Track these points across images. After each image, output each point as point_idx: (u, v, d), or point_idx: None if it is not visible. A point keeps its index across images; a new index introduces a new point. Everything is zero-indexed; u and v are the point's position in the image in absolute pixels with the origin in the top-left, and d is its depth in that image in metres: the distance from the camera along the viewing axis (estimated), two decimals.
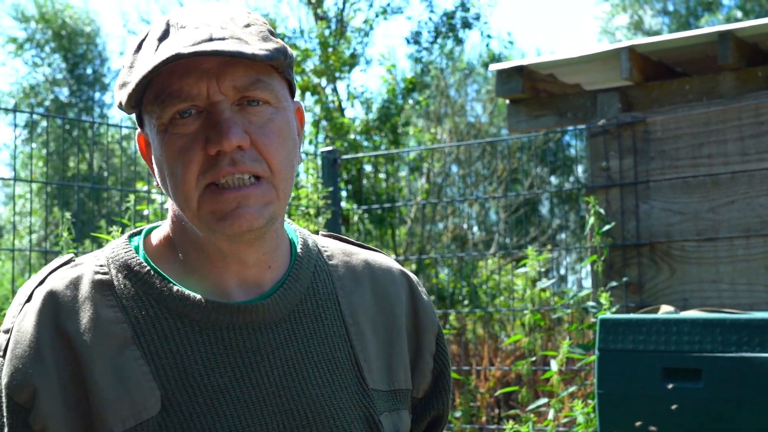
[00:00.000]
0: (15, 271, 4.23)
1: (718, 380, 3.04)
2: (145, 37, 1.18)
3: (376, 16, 10.02)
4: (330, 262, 1.31)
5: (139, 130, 1.24)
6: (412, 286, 1.36)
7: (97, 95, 22.20)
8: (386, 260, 1.37)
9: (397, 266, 1.37)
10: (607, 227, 3.92)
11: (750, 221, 3.72)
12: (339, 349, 1.24)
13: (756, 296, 3.68)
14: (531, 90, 4.37)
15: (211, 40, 1.11)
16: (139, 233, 1.28)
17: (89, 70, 21.60)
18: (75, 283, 1.17)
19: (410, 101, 9.29)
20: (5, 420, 1.12)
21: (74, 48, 20.61)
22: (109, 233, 3.01)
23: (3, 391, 1.13)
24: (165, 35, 1.14)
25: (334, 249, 1.33)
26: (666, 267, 3.90)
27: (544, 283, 3.92)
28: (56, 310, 1.14)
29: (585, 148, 4.22)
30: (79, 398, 1.12)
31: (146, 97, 1.15)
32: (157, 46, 1.13)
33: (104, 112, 22.01)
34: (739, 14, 18.64)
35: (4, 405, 1.12)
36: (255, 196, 1.14)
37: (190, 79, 1.12)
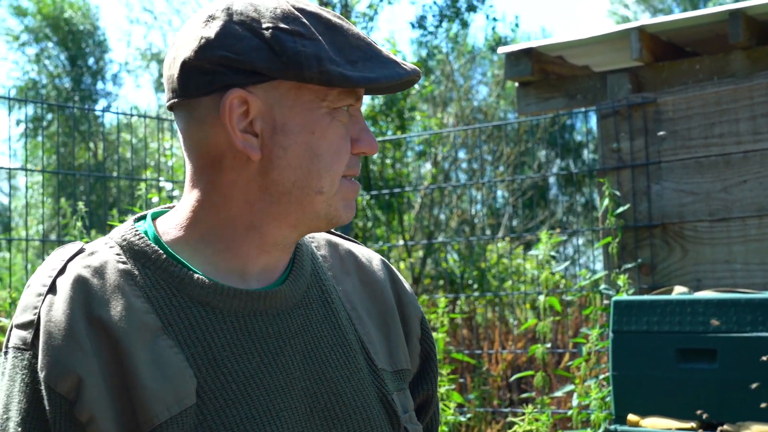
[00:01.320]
0: (27, 261, 4.23)
1: (733, 360, 3.03)
2: (308, 13, 1.16)
3: (381, 1, 9.99)
4: (319, 252, 1.33)
5: (239, 90, 1.14)
6: (393, 275, 1.39)
7: (99, 85, 22.23)
8: (368, 251, 1.40)
9: (378, 256, 1.40)
10: (621, 209, 3.90)
11: (763, 201, 3.71)
12: (348, 333, 1.26)
13: None
14: (540, 72, 4.35)
15: (400, 62, 1.20)
16: (143, 218, 1.25)
17: (90, 61, 21.62)
18: (100, 272, 1.14)
19: (416, 86, 9.28)
20: (47, 414, 1.08)
21: (74, 41, 20.62)
22: (121, 222, 3.01)
23: (42, 383, 1.08)
24: (339, 31, 1.17)
25: (320, 239, 1.36)
26: (678, 248, 3.89)
27: (556, 266, 3.91)
28: (88, 298, 1.11)
29: (596, 130, 4.20)
30: (120, 386, 1.10)
31: (308, 74, 1.12)
32: (370, 46, 1.18)
33: (109, 103, 22.06)
34: None
35: (45, 399, 1.08)
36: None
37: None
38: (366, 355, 1.27)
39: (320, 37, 1.14)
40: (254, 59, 1.12)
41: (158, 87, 21.08)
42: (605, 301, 3.98)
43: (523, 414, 3.41)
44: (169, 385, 1.10)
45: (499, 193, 11.56)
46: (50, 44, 20.41)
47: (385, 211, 8.25)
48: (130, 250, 1.17)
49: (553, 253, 3.90)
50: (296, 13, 1.15)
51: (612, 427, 3.25)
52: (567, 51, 4.32)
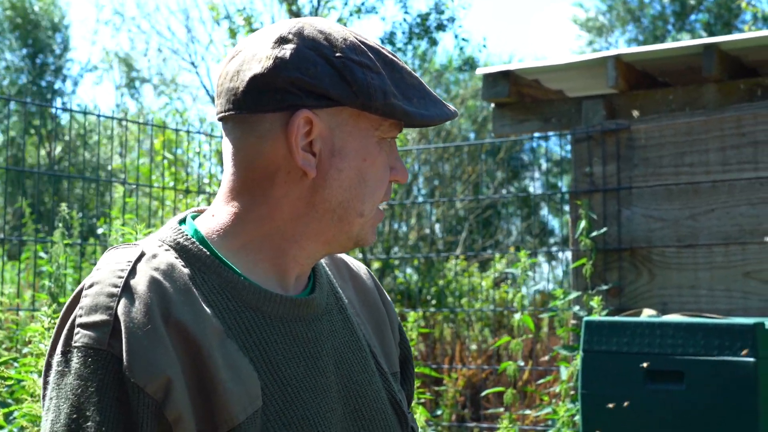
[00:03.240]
0: None
1: (700, 383, 3.12)
2: (372, 47, 1.25)
3: (350, 15, 10.05)
4: (321, 261, 1.39)
5: (307, 111, 1.20)
6: (377, 284, 1.47)
7: (57, 84, 21.96)
8: (354, 260, 1.48)
9: (363, 265, 1.49)
10: (597, 232, 4.00)
11: (729, 229, 3.83)
12: (360, 338, 1.33)
13: (733, 302, 3.78)
14: (516, 94, 4.44)
15: (444, 102, 1.30)
16: (183, 220, 1.28)
17: (51, 59, 21.36)
18: (170, 275, 1.17)
19: None
20: (134, 415, 1.09)
21: (35, 37, 20.35)
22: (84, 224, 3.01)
23: (128, 383, 1.09)
24: (396, 68, 1.26)
25: None
26: (646, 272, 3.99)
27: (533, 286, 3.98)
28: (165, 300, 1.13)
29: (571, 153, 4.30)
30: (197, 387, 1.12)
31: (374, 105, 1.20)
32: (422, 86, 1.27)
33: (64, 101, 21.77)
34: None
35: (132, 399, 1.09)
36: None
37: None
38: (374, 359, 1.34)
39: (383, 71, 1.22)
40: (327, 85, 1.19)
41: (130, 86, 20.86)
42: (573, 321, 4.07)
43: (491, 429, 3.46)
44: (243, 387, 1.14)
45: (459, 211, 11.67)
46: (12, 37, 20.11)
47: None
48: (185, 253, 1.20)
49: (528, 273, 3.98)
50: (362, 46, 1.23)
51: None
52: (543, 75, 4.41)
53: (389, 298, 1.47)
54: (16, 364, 2.93)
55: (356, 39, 1.23)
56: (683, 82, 4.14)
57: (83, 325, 1.11)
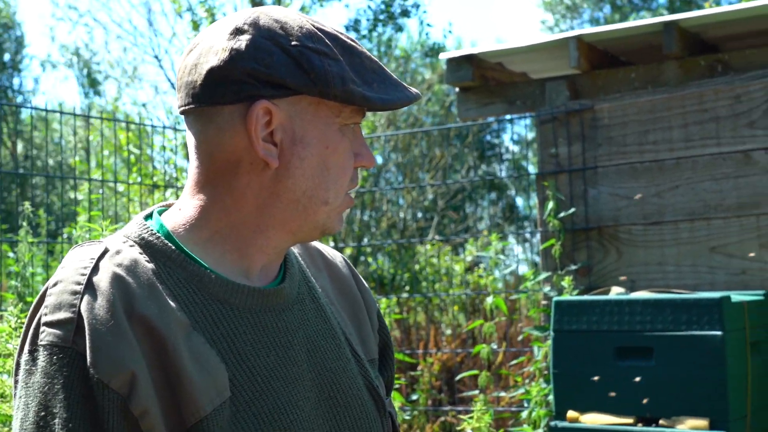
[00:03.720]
0: None
1: (669, 358, 3.16)
2: (330, 33, 1.24)
3: (313, 3, 10.01)
4: (295, 251, 1.40)
5: (265, 101, 1.20)
6: (354, 271, 1.48)
7: (16, 81, 21.71)
8: (330, 249, 1.49)
9: (339, 254, 1.49)
10: (566, 213, 4.02)
11: (694, 205, 3.87)
12: (334, 326, 1.34)
13: (700, 277, 3.83)
14: (480, 78, 4.44)
15: (406, 85, 1.29)
16: (149, 216, 1.29)
17: (6, 56, 21.12)
18: (133, 271, 1.17)
19: None
20: (98, 410, 1.10)
21: None
22: (52, 222, 2.99)
23: (92, 379, 1.10)
24: (355, 53, 1.25)
25: None
26: (614, 250, 4.03)
27: (505, 269, 4.01)
28: (128, 296, 1.14)
29: (536, 135, 4.32)
30: (163, 380, 1.13)
31: (333, 92, 1.20)
32: (381, 70, 1.27)
33: (25, 98, 21.55)
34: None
35: (97, 395, 1.10)
36: None
37: None
38: (350, 346, 1.35)
39: (341, 58, 1.22)
40: (283, 74, 1.19)
41: (91, 83, 20.66)
42: (543, 302, 4.10)
43: (466, 412, 3.49)
44: (210, 379, 1.15)
45: (429, 196, 11.69)
46: None
47: None
48: (149, 249, 1.21)
49: (501, 256, 4.00)
50: (319, 33, 1.23)
51: (553, 423, 3.36)
52: (506, 58, 4.42)
53: (366, 285, 1.48)
54: None
55: (313, 26, 1.23)
56: (644, 61, 4.17)
57: (48, 324, 1.13)
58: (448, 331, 7.52)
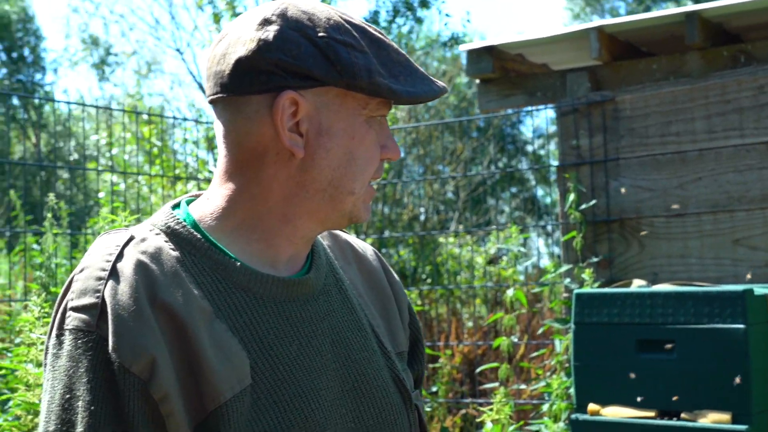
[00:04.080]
0: None
1: (691, 351, 3.14)
2: (356, 25, 1.25)
3: None
4: (324, 242, 1.41)
5: (292, 92, 1.21)
6: (384, 264, 1.48)
7: (38, 76, 21.87)
8: (361, 241, 1.50)
9: (370, 246, 1.50)
10: (587, 205, 4.00)
11: (717, 197, 3.83)
12: (361, 318, 1.35)
13: (723, 270, 3.80)
14: (501, 70, 4.43)
15: (432, 78, 1.29)
16: (177, 205, 1.31)
17: (27, 51, 21.28)
18: (157, 258, 1.19)
19: None
20: (120, 393, 1.12)
21: (9, 32, 20.27)
22: (75, 215, 3.01)
23: (114, 363, 1.12)
24: (382, 46, 1.25)
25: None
26: (636, 242, 4.00)
27: (524, 260, 3.99)
28: (151, 282, 1.16)
29: (556, 127, 4.30)
30: (185, 366, 1.15)
31: (359, 84, 1.21)
32: (408, 62, 1.27)
33: (46, 92, 21.71)
34: None
35: (118, 379, 1.12)
36: None
37: None
38: (377, 338, 1.36)
39: (368, 50, 1.23)
40: (310, 65, 1.20)
41: (102, 71, 20.75)
42: (564, 294, 4.08)
43: (487, 404, 3.48)
44: (230, 366, 1.16)
45: (450, 189, 11.68)
46: None
47: None
48: (175, 237, 1.23)
49: (504, 251, 3.98)
50: (346, 25, 1.24)
51: (573, 416, 3.35)
52: (527, 49, 4.40)
53: (397, 278, 1.48)
54: (10, 354, 2.95)
55: (341, 18, 1.24)
56: (666, 51, 4.14)
57: (74, 309, 1.15)
58: (470, 323, 7.51)
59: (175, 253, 1.21)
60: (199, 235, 1.24)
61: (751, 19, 3.91)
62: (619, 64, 4.15)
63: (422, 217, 10.55)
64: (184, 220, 1.26)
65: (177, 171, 6.89)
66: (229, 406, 1.15)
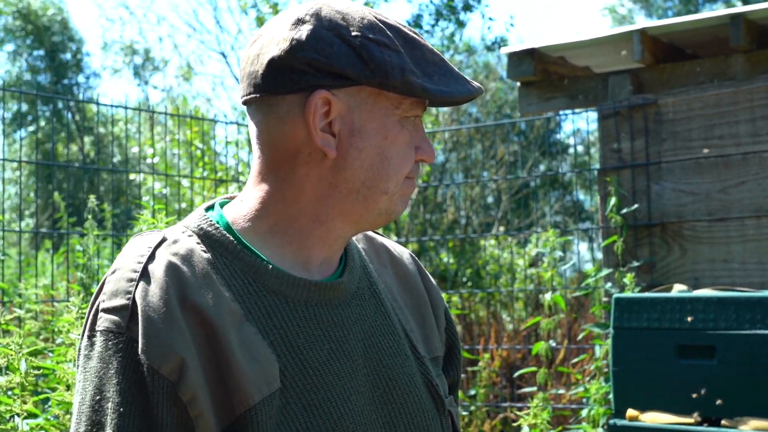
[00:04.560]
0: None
1: (732, 357, 3.09)
2: (391, 25, 1.24)
3: None
4: (359, 245, 1.40)
5: (324, 91, 1.20)
6: (421, 268, 1.47)
7: (81, 79, 22.19)
8: (397, 245, 1.48)
9: (407, 250, 1.48)
10: (628, 209, 3.97)
11: (761, 201, 3.78)
12: (394, 322, 1.33)
13: (767, 275, 3.74)
14: (542, 72, 4.40)
15: (468, 79, 1.28)
16: (212, 207, 1.30)
17: (68, 56, 21.59)
18: (188, 260, 1.19)
19: None
20: (150, 395, 1.12)
21: (50, 36, 20.61)
22: (117, 216, 3.05)
23: (144, 365, 1.12)
24: (416, 46, 1.25)
25: (358, 234, 1.41)
26: (677, 247, 3.95)
27: (563, 265, 3.97)
28: (182, 284, 1.16)
29: (598, 130, 4.26)
30: (214, 369, 1.14)
31: (392, 83, 1.20)
32: (442, 62, 1.26)
33: (91, 95, 22.02)
34: None
35: (148, 380, 1.12)
36: None
37: None
38: (410, 343, 1.34)
39: (402, 50, 1.22)
40: (343, 64, 1.19)
41: (143, 80, 21.02)
42: (604, 299, 4.04)
43: (524, 408, 3.46)
44: (260, 369, 1.16)
45: (491, 192, 11.63)
46: (26, 41, 20.39)
47: None
48: (208, 239, 1.23)
49: (547, 255, 3.96)
50: (380, 25, 1.23)
51: (612, 421, 3.32)
52: (569, 52, 4.37)
53: (434, 282, 1.47)
54: (51, 354, 3.00)
55: (375, 18, 1.23)
56: (711, 54, 4.08)
57: (106, 310, 1.16)
58: (511, 327, 7.47)
59: (207, 255, 1.20)
60: (231, 237, 1.23)
61: None
62: (662, 67, 4.11)
63: (463, 221, 10.51)
64: (217, 222, 1.25)
65: (219, 173, 6.94)
66: (257, 409, 1.14)
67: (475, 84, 1.27)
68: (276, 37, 1.22)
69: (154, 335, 1.12)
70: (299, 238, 1.25)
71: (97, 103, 4.59)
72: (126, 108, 4.57)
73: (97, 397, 1.13)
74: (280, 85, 1.20)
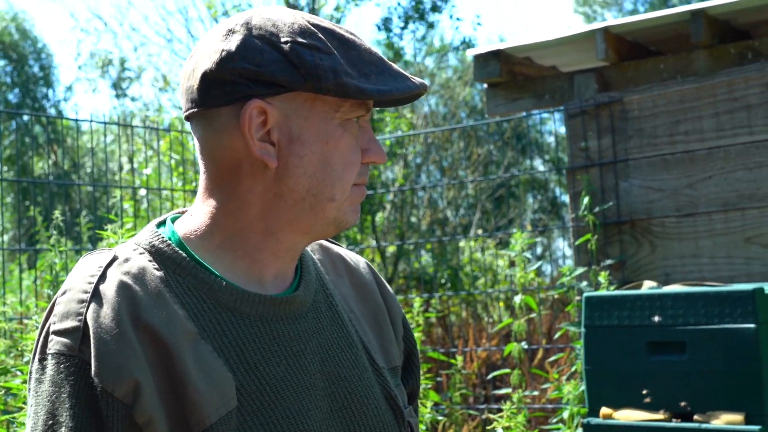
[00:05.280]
0: None
1: (702, 352, 3.11)
2: (323, 29, 1.21)
3: (347, 2, 10.02)
4: (315, 256, 1.38)
5: (258, 101, 1.18)
6: (377, 277, 1.44)
7: (50, 93, 22.06)
8: (353, 254, 1.46)
9: (363, 259, 1.46)
10: (601, 207, 3.98)
11: (727, 196, 3.80)
12: (351, 334, 1.32)
13: (736, 269, 3.76)
14: (508, 73, 4.41)
15: (409, 76, 1.24)
16: (163, 223, 1.28)
17: (36, 69, 21.46)
18: (140, 279, 1.17)
19: None
20: (104, 419, 1.10)
21: (14, 49, 20.49)
22: (92, 230, 3.03)
23: (97, 388, 1.10)
24: (352, 46, 1.22)
25: (313, 244, 1.40)
26: (647, 243, 3.97)
27: (529, 266, 3.97)
28: (134, 304, 1.14)
29: (565, 129, 4.28)
30: (169, 389, 1.12)
31: (326, 86, 1.18)
32: (381, 61, 1.23)
33: (60, 109, 21.89)
34: None
35: (102, 404, 1.10)
36: None
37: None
38: (368, 355, 1.33)
39: (335, 51, 1.19)
40: (274, 71, 1.17)
41: (118, 93, 20.94)
42: (577, 298, 4.05)
43: (500, 410, 3.46)
44: (215, 388, 1.14)
45: (470, 193, 11.64)
46: None
47: None
48: (160, 256, 1.20)
49: (526, 254, 3.96)
50: (312, 28, 1.20)
51: (585, 420, 3.32)
52: (534, 52, 4.39)
53: (391, 291, 1.45)
54: (21, 373, 2.98)
55: (306, 22, 1.21)
56: (674, 50, 4.11)
57: (56, 332, 1.13)
58: (491, 329, 7.48)
59: (159, 273, 1.18)
60: (183, 254, 1.21)
61: (758, 16, 3.87)
62: (626, 65, 4.13)
63: (443, 222, 10.53)
64: (169, 239, 1.23)
65: (195, 183, 6.92)
66: (214, 429, 1.12)
67: (417, 80, 1.24)
68: (208, 50, 1.20)
69: (107, 357, 1.10)
70: (251, 252, 1.23)
71: (67, 118, 4.61)
72: (97, 122, 4.55)
73: (50, 422, 1.11)
74: (215, 97, 1.18)
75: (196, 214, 1.25)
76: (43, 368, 1.13)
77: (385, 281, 1.46)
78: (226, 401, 1.14)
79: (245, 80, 1.17)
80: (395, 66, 1.25)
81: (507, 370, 3.90)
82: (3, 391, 2.71)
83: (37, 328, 2.55)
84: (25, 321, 3.67)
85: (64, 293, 1.16)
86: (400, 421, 1.32)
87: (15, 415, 2.51)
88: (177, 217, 1.30)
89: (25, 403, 2.46)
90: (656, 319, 3.15)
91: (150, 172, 6.85)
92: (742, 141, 3.78)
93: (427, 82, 1.29)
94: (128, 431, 1.10)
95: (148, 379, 1.10)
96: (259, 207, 1.21)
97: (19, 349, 3.15)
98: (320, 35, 1.20)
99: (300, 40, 1.18)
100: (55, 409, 1.11)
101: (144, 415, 1.10)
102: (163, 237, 1.22)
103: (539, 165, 15.67)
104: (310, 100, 1.19)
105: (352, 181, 1.23)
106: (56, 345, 1.12)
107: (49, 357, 1.13)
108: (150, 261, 1.19)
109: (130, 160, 6.73)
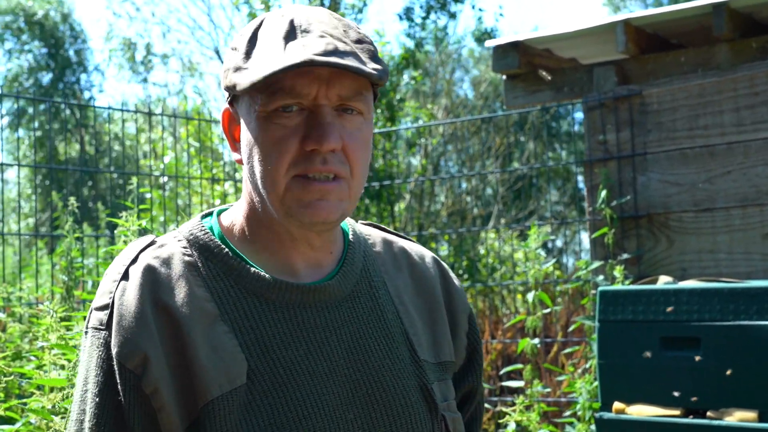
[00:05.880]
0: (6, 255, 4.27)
1: (716, 348, 3.08)
2: (258, 27, 1.29)
3: None
4: (374, 249, 1.43)
5: (226, 105, 1.33)
6: (444, 271, 1.48)
7: (83, 77, 22.17)
8: (420, 248, 1.50)
9: (430, 253, 1.50)
10: (618, 201, 3.95)
11: (746, 191, 3.76)
12: (392, 326, 1.36)
13: (753, 264, 3.73)
14: (527, 65, 4.39)
15: (335, 52, 1.20)
16: (210, 214, 1.38)
17: (71, 53, 21.57)
18: (167, 262, 1.27)
19: (405, 77, 9.31)
20: (119, 387, 1.21)
21: (51, 33, 20.60)
22: (112, 216, 3.04)
23: (114, 359, 1.21)
24: (290, 36, 1.24)
25: (376, 237, 1.46)
26: (664, 238, 3.94)
27: (544, 261, 3.95)
28: (155, 285, 1.24)
29: (584, 122, 4.25)
30: (180, 365, 1.22)
31: (226, 84, 1.29)
32: (284, 45, 1.23)
33: (92, 95, 22.01)
34: None
35: (117, 373, 1.21)
36: (335, 192, 1.25)
37: (304, 80, 1.22)
38: (410, 347, 1.36)
39: (241, 47, 1.28)
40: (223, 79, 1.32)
41: (145, 79, 21.02)
42: (593, 292, 4.03)
43: (513, 404, 3.45)
44: (222, 366, 1.22)
45: (490, 184, 11.61)
46: (27, 37, 20.37)
47: (375, 202, 8.29)
48: (195, 243, 1.31)
49: (540, 250, 3.94)
50: (245, 33, 1.30)
51: (598, 414, 3.31)
52: (554, 44, 4.36)
53: (458, 286, 1.47)
54: (34, 358, 3.00)
55: (251, 27, 1.30)
56: (695, 44, 4.06)
57: (96, 308, 1.27)
58: (508, 324, 7.45)
59: (189, 259, 1.28)
60: (218, 242, 1.30)
61: None
62: (646, 57, 4.09)
63: (461, 214, 10.51)
64: (210, 228, 1.33)
65: (214, 171, 6.94)
66: (215, 403, 1.20)
67: (320, 58, 1.19)
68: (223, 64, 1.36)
69: (123, 332, 1.21)
70: (271, 245, 1.32)
71: (94, 107, 4.67)
72: (122, 110, 4.56)
73: (84, 388, 1.24)
74: (226, 102, 1.33)
75: (236, 207, 1.36)
76: (85, 339, 1.28)
77: (453, 276, 1.48)
78: (231, 379, 1.22)
79: (225, 89, 1.31)
80: (300, 44, 1.22)
81: (520, 366, 3.88)
82: (17, 376, 2.74)
83: (49, 314, 2.58)
84: (40, 306, 3.69)
85: (106, 274, 1.30)
86: (434, 414, 1.34)
87: (26, 400, 2.53)
88: (224, 210, 1.39)
89: (37, 387, 2.50)
90: (669, 309, 3.12)
91: (169, 161, 6.88)
92: (762, 136, 3.74)
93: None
94: (138, 399, 1.21)
95: (158, 355, 1.20)
96: (254, 203, 1.32)
97: (33, 333, 3.18)
98: (247, 35, 1.29)
99: (233, 45, 1.30)
100: (87, 377, 1.25)
101: (150, 386, 1.20)
102: (202, 226, 1.33)
103: (564, 156, 15.60)
104: (246, 99, 1.28)
105: (282, 172, 1.24)
106: (93, 320, 1.27)
107: (89, 330, 1.27)
108: (184, 247, 1.29)
109: (153, 150, 6.75)
